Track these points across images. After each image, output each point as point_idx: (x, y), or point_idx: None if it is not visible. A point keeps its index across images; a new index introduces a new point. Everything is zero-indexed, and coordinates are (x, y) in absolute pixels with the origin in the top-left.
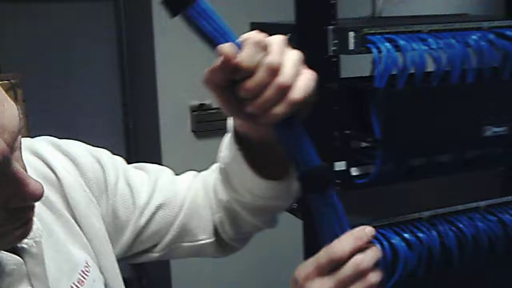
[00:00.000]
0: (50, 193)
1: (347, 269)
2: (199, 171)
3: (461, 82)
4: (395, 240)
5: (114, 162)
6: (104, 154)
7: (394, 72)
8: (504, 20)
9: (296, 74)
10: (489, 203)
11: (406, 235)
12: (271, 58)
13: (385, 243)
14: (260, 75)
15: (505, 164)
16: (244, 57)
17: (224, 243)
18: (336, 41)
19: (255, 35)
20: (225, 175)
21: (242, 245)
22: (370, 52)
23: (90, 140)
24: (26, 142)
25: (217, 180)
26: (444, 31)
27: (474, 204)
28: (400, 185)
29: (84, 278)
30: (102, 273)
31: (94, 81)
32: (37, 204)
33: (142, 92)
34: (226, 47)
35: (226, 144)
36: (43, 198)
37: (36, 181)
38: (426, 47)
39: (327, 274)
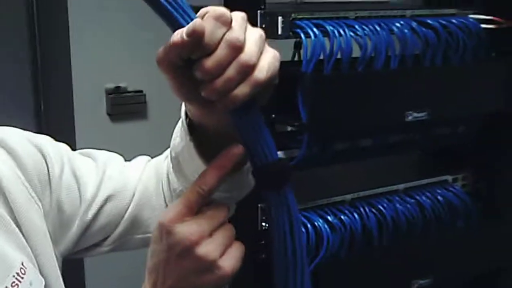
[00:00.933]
0: None
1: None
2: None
3: (385, 68)
4: (319, 222)
5: (58, 151)
6: (46, 142)
7: (321, 58)
8: (424, 9)
9: (260, 53)
10: (408, 186)
11: (329, 218)
12: (234, 34)
13: (309, 225)
14: (221, 53)
15: (424, 148)
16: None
17: None
18: (264, 26)
19: (216, 9)
20: (177, 164)
21: None
22: (298, 37)
23: None
24: None
25: (169, 168)
26: (369, 18)
27: (393, 187)
28: (323, 169)
29: (19, 281)
30: (42, 274)
31: (1, 61)
32: None
33: (54, 73)
34: (197, 21)
35: (178, 132)
36: None
37: None
38: (352, 33)
39: (196, 213)
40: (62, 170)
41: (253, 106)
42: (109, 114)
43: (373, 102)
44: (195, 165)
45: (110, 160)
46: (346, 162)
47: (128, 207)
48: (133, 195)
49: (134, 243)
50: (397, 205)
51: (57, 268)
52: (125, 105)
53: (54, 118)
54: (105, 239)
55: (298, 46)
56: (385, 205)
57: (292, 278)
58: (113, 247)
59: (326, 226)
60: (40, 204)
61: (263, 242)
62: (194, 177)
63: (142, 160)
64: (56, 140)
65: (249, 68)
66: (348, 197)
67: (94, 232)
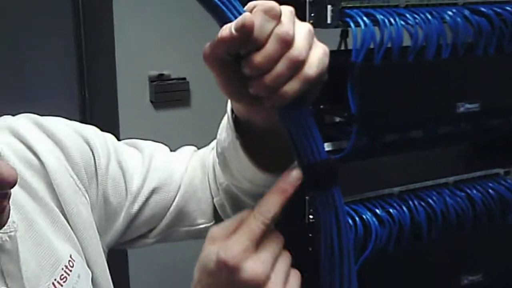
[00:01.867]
0: (33, 180)
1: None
2: (158, 142)
3: (437, 57)
4: (367, 215)
5: (104, 142)
6: (93, 133)
7: (371, 47)
8: None
9: (309, 48)
10: (457, 178)
11: (377, 211)
12: (284, 28)
13: (357, 218)
14: (271, 47)
15: (475, 140)
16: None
17: None
18: (313, 15)
19: (264, 2)
20: (223, 159)
21: None
22: (348, 26)
23: (43, 111)
24: (6, 121)
25: (216, 161)
26: (420, 6)
27: (443, 180)
28: (371, 161)
29: (68, 274)
30: (89, 267)
31: (48, 49)
32: (18, 192)
33: (99, 61)
34: (246, 15)
35: (224, 128)
36: (25, 185)
37: (9, 165)
38: (403, 22)
39: (260, 246)
40: (108, 161)
41: (302, 103)
42: (152, 102)
43: (424, 93)
44: (241, 162)
45: (156, 151)
46: (395, 154)
47: (174, 199)
48: (179, 187)
49: (179, 235)
50: (447, 198)
51: (104, 260)
52: (169, 93)
53: (98, 106)
54: (151, 231)
55: (344, 35)
56: (434, 198)
57: (338, 278)
58: (159, 238)
59: (374, 219)
60: (87, 196)
61: (310, 235)
62: (240, 174)
63: (188, 151)
64: (100, 127)
65: (299, 64)
66: (397, 189)
67: (140, 224)
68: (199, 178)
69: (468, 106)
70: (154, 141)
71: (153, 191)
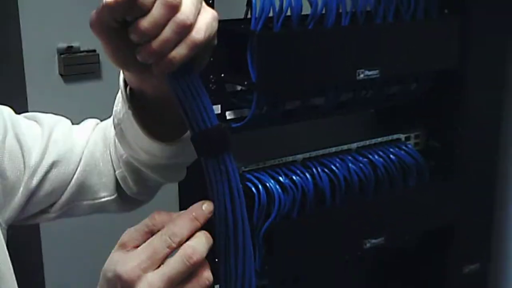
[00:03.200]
0: None
1: (177, 264)
2: (68, 117)
3: (336, 26)
4: (270, 183)
5: (0, 116)
6: None
7: (270, 15)
8: None
9: (197, 13)
10: (360, 145)
11: (280, 178)
12: None
13: (260, 186)
14: (156, 12)
15: (376, 107)
16: None
17: (129, 199)
18: None
19: None
20: (120, 131)
21: (148, 198)
22: None
23: None
24: None
25: (114, 134)
26: None
27: (345, 147)
28: (274, 128)
29: None
30: None
31: None
32: None
33: (3, 34)
34: None
35: (119, 98)
36: None
37: None
38: None
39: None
40: (4, 135)
41: (190, 69)
42: (61, 75)
43: (324, 60)
44: (136, 133)
45: (56, 124)
46: (297, 121)
47: (74, 172)
48: (80, 160)
49: (82, 209)
50: (350, 164)
51: (2, 239)
52: (78, 65)
53: (4, 80)
54: (52, 205)
55: (250, 3)
56: (337, 164)
57: (233, 248)
58: (60, 213)
59: (277, 186)
60: None
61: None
62: (136, 145)
63: (90, 123)
64: (7, 102)
65: (186, 28)
66: (300, 157)
67: (40, 199)
68: (101, 151)
69: (368, 73)
70: (65, 115)
71: (52, 165)
